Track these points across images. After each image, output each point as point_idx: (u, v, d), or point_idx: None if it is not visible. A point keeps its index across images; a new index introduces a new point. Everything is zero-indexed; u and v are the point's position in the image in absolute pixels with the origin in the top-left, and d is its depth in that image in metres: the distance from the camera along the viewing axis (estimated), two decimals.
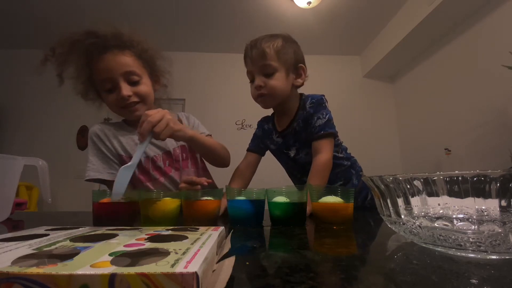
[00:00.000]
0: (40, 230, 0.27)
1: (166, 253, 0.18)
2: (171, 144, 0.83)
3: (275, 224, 0.46)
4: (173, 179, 0.80)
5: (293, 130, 0.81)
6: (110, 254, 0.17)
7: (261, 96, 0.76)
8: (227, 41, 3.15)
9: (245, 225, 0.45)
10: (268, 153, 0.94)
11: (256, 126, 0.97)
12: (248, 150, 0.94)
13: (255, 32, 0.86)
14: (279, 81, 0.74)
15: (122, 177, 0.51)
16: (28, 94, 3.12)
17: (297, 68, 0.78)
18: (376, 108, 3.46)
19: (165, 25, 2.81)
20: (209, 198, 0.49)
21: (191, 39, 3.12)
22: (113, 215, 0.43)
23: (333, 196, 0.47)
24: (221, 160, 0.82)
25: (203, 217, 0.47)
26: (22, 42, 2.93)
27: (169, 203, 0.46)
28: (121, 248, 0.19)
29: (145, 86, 0.76)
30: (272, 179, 3.22)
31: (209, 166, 0.92)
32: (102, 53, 0.70)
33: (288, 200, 0.46)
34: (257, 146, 0.92)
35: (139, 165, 0.77)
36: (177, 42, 3.18)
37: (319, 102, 0.77)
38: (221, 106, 3.43)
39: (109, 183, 0.75)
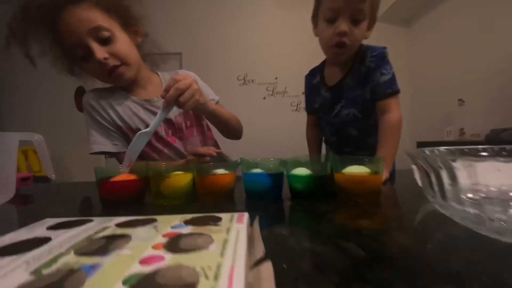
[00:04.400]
0: (42, 229, 0.24)
1: (193, 275, 0.14)
2: (171, 111, 0.76)
3: (295, 197, 0.43)
4: (178, 150, 0.76)
5: (346, 85, 0.72)
6: (124, 283, 0.14)
7: (340, 46, 0.65)
8: None
9: (262, 199, 0.42)
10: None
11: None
12: (306, 111, 0.91)
13: None
14: (362, 31, 0.65)
15: (138, 142, 0.49)
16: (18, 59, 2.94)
17: (374, 20, 0.68)
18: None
19: None
20: (223, 171, 0.45)
21: None
22: (120, 195, 0.41)
23: (360, 166, 0.43)
24: (234, 134, 0.78)
25: (218, 192, 0.44)
26: None
27: (181, 179, 0.43)
28: (136, 266, 0.16)
29: (121, 43, 0.64)
30: (289, 148, 3.17)
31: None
32: (57, 14, 0.59)
33: (310, 173, 0.42)
34: (311, 107, 0.86)
35: None
36: None
37: (381, 56, 0.68)
38: (221, 60, 3.23)
39: (117, 155, 0.72)
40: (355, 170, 0.42)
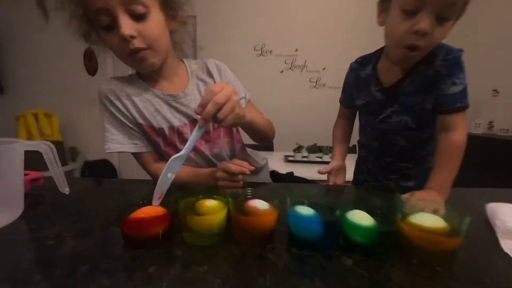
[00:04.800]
0: None
1: None
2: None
3: (349, 248, 0.36)
4: (204, 153, 0.68)
5: (404, 87, 0.61)
6: None
7: (413, 49, 0.53)
8: None
9: (311, 249, 0.35)
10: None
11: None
12: (340, 102, 0.79)
13: None
14: (445, 32, 0.51)
15: (171, 169, 0.41)
16: (21, 21, 2.74)
17: (459, 16, 0.53)
18: None
19: None
20: (263, 208, 0.38)
21: None
22: (147, 234, 0.34)
23: (435, 217, 0.35)
24: (267, 141, 0.71)
25: (256, 234, 0.37)
26: None
27: (214, 219, 0.36)
28: None
29: (155, 25, 0.55)
30: (304, 128, 3.03)
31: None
32: None
33: (374, 224, 0.34)
34: (351, 100, 0.74)
35: (164, 136, 0.64)
36: None
37: (456, 61, 0.55)
38: (239, 27, 2.99)
39: (137, 156, 0.65)
40: (429, 221, 0.35)
